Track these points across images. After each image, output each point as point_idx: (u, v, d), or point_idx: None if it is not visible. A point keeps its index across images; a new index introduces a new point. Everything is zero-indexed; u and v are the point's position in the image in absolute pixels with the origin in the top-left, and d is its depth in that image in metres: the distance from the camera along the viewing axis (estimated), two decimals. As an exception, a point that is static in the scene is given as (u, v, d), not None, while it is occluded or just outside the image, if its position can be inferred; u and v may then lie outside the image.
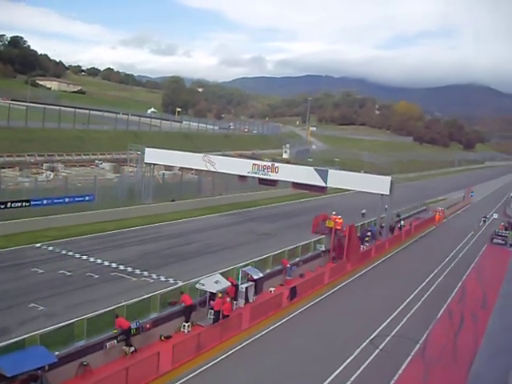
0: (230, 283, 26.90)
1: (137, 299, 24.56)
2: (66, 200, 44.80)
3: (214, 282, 25.64)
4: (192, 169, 61.52)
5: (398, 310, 30.49)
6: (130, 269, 32.57)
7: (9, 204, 40.34)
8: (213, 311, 25.19)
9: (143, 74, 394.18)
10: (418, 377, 21.69)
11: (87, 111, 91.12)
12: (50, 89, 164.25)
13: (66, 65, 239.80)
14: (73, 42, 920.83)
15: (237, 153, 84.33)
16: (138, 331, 21.67)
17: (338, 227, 39.67)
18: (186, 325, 24.11)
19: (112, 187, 52.89)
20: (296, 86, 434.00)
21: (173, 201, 54.58)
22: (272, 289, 31.51)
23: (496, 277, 40.00)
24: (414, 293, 34.30)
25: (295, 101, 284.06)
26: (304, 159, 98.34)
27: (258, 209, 60.98)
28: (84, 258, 33.92)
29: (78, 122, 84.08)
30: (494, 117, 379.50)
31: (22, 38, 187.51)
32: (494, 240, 54.78)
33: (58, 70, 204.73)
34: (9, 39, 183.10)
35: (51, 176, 57.89)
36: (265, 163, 49.55)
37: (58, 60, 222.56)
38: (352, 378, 21.04)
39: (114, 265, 33.05)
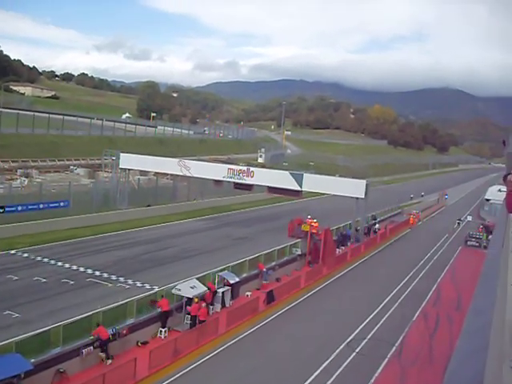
0: (206, 288, 26.96)
1: (113, 305, 24.47)
2: (41, 206, 44.39)
3: (190, 287, 25.70)
4: (167, 174, 61.44)
5: (374, 312, 30.83)
6: (105, 275, 32.37)
7: (-18, 211, 39.88)
8: (189, 316, 25.23)
9: (118, 79, 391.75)
10: (395, 379, 21.98)
11: (61, 117, 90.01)
12: (23, 94, 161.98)
13: (40, 70, 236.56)
14: (47, 47, 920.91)
15: (212, 157, 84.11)
16: (114, 337, 21.62)
17: (314, 231, 39.93)
18: (163, 330, 24.10)
19: (87, 193, 52.38)
20: (270, 91, 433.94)
21: (148, 206, 54.36)
22: (248, 293, 31.62)
23: (470, 278, 40.47)
24: (390, 295, 34.69)
25: (270, 105, 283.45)
26: (279, 163, 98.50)
27: (234, 213, 60.95)
28: (59, 264, 33.64)
29: (52, 127, 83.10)
30: (467, 120, 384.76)
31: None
32: (468, 242, 55.34)
33: (31, 75, 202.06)
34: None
35: (25, 182, 57.15)
36: (240, 168, 49.75)
37: (31, 65, 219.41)
38: (329, 382, 21.24)
39: (89, 271, 32.80)
